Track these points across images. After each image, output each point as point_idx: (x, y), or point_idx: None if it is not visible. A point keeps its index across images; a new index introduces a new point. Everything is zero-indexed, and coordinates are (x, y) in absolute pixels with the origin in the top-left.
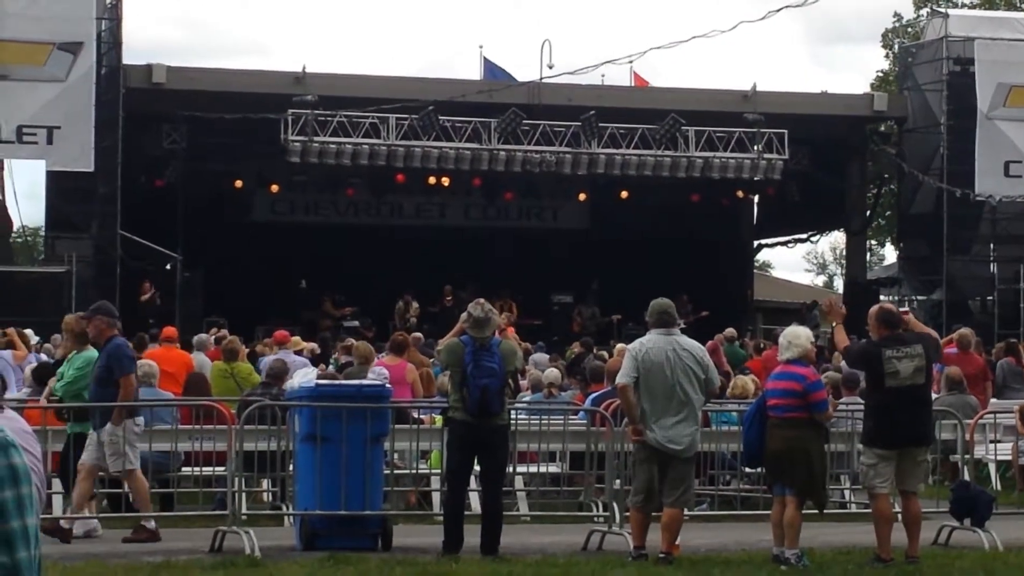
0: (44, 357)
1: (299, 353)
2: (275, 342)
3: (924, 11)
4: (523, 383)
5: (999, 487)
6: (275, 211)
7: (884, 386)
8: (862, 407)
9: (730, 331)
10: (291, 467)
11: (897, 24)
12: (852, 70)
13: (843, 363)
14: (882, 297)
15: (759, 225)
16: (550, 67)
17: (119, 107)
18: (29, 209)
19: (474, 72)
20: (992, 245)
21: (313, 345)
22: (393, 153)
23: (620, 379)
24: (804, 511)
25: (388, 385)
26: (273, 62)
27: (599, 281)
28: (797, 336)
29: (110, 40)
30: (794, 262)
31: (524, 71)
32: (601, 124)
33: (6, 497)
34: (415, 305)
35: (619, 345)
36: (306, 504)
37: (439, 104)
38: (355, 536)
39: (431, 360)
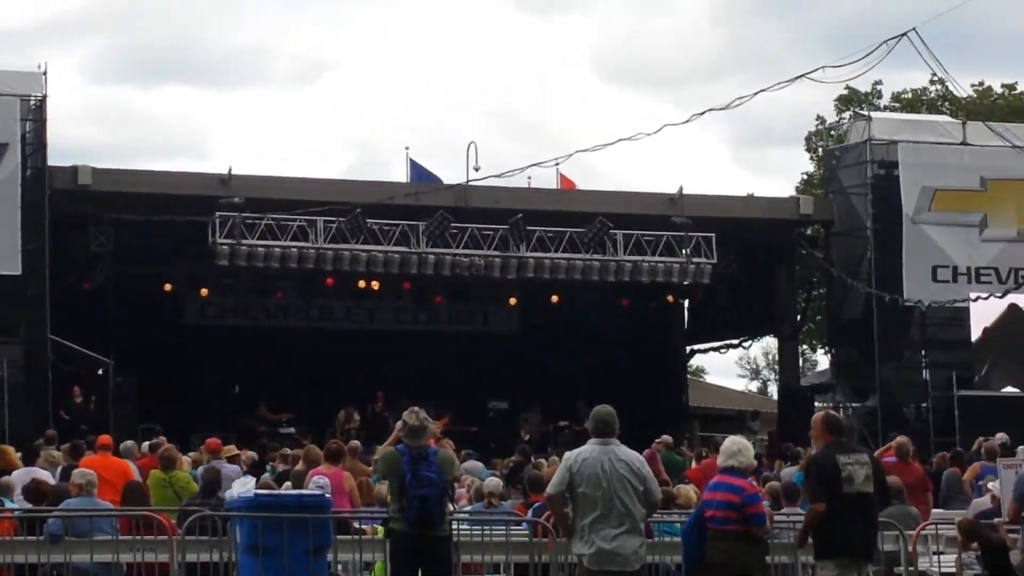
0: None
1: (232, 460)
2: (208, 450)
3: (847, 114)
4: (460, 491)
5: None
6: (204, 314)
7: (841, 492)
8: (803, 518)
9: (667, 438)
10: None
11: (820, 127)
12: (778, 173)
13: (783, 471)
14: (817, 404)
15: (690, 330)
16: (476, 169)
17: (45, 209)
18: None
19: (400, 174)
20: (923, 351)
21: (251, 453)
22: (322, 256)
23: (549, 489)
24: None
25: (328, 495)
26: (199, 164)
27: (532, 385)
28: (746, 448)
29: (35, 141)
30: (727, 367)
31: (450, 174)
32: (529, 227)
33: None
34: (356, 417)
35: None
36: None
37: (366, 207)
38: None
39: (368, 468)
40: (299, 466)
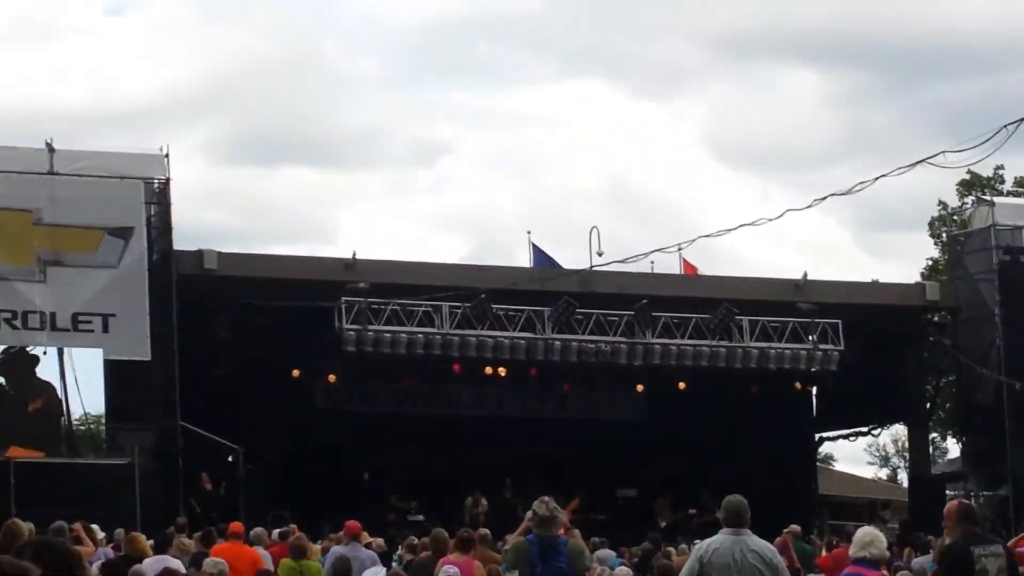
0: (110, 552)
1: (367, 547)
2: (347, 533)
3: (969, 199)
4: None
5: None
6: (332, 400)
7: None
8: None
9: (795, 528)
10: None
11: (943, 212)
12: (900, 257)
13: (914, 561)
14: (948, 492)
15: (819, 417)
16: (599, 254)
17: (172, 294)
18: (88, 396)
19: (521, 259)
20: None
21: (380, 540)
22: (448, 342)
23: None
24: None
25: None
26: (322, 247)
27: (659, 473)
28: (879, 537)
29: (160, 225)
30: (856, 455)
31: (572, 258)
32: (654, 313)
33: None
34: (484, 502)
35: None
36: None
37: (490, 292)
38: None
39: (498, 556)
40: (426, 553)
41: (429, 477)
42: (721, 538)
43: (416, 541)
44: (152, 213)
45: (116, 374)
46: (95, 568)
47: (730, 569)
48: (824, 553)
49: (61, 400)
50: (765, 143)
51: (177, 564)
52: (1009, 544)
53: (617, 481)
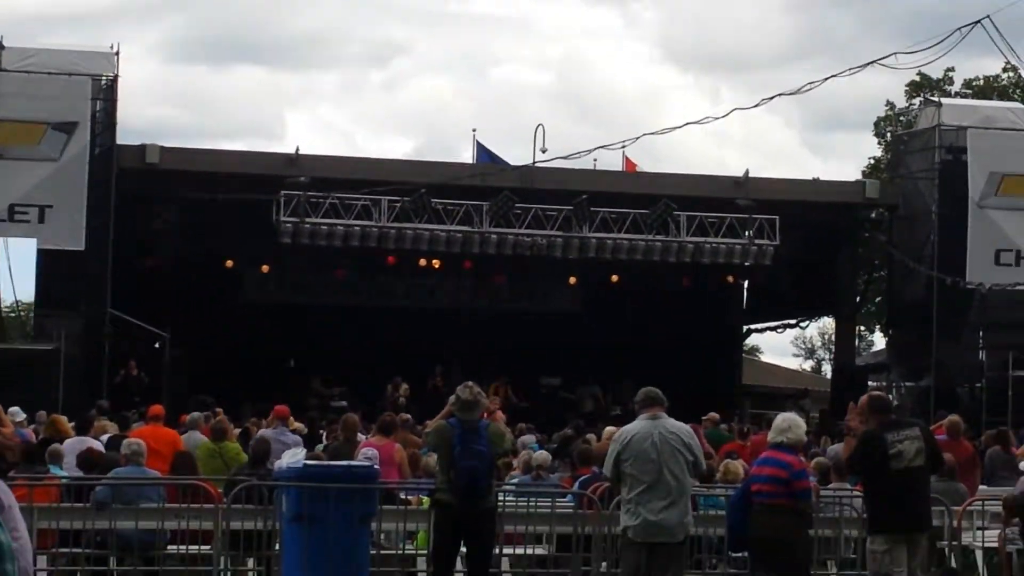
0: (29, 434)
1: (293, 431)
2: (276, 416)
3: (917, 100)
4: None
5: (986, 574)
6: (264, 290)
7: (889, 469)
8: (850, 493)
9: (713, 415)
10: (277, 547)
11: (890, 112)
12: (845, 157)
13: (830, 449)
14: (871, 383)
15: (748, 309)
16: (543, 151)
17: (112, 187)
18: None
19: (467, 156)
20: (981, 333)
21: (300, 425)
22: (384, 235)
23: (604, 470)
24: None
25: (376, 466)
26: (269, 144)
27: (589, 363)
28: (796, 423)
29: (105, 120)
30: (782, 347)
31: (517, 155)
32: (593, 208)
33: None
34: (404, 386)
35: (608, 428)
36: None
37: (431, 187)
38: None
39: (419, 440)
40: (339, 436)
41: (356, 365)
42: (637, 424)
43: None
44: (98, 109)
45: (49, 263)
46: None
47: (647, 453)
48: (738, 440)
49: None
50: (720, 46)
51: (98, 445)
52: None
53: (544, 370)
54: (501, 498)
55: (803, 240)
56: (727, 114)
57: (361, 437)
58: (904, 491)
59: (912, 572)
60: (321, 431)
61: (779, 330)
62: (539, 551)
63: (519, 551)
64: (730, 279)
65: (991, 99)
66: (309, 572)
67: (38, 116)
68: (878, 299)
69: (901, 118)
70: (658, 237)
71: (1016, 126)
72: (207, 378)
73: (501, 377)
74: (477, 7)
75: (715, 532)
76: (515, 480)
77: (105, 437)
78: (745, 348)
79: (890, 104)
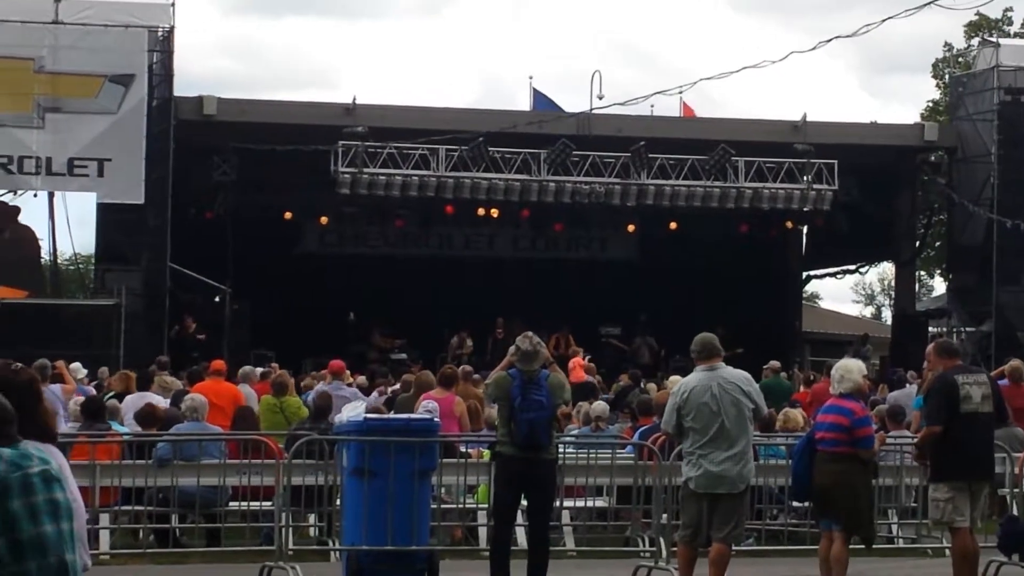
0: (91, 391)
1: (350, 385)
2: (331, 372)
3: (975, 41)
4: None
5: None
6: (324, 242)
7: (959, 412)
8: (908, 440)
9: (774, 363)
10: (338, 502)
11: (948, 54)
12: (903, 100)
13: (889, 396)
14: (931, 329)
15: (808, 256)
16: (600, 98)
17: (170, 139)
18: (81, 238)
19: (524, 103)
20: None
21: (362, 378)
22: (442, 184)
23: (663, 426)
24: (851, 546)
25: (436, 419)
26: (325, 94)
27: (647, 313)
28: (849, 370)
29: (162, 72)
30: (842, 293)
31: (574, 102)
32: (650, 155)
33: (47, 531)
34: (469, 343)
35: (673, 377)
36: (352, 539)
37: (488, 135)
38: (401, 571)
39: (480, 392)
40: (410, 392)
41: (416, 317)
42: (696, 376)
43: (405, 379)
44: (154, 61)
45: (108, 217)
46: (72, 405)
47: (707, 405)
48: (803, 388)
49: (41, 243)
50: None
51: (159, 400)
52: (991, 375)
53: (603, 320)
54: (561, 450)
55: (862, 184)
56: (784, 58)
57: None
58: (970, 435)
59: (973, 521)
60: (380, 383)
61: (838, 276)
62: (599, 503)
63: (579, 503)
64: (789, 225)
65: None
66: (370, 526)
67: (95, 69)
68: (938, 243)
69: (959, 59)
70: (716, 183)
71: None
72: (268, 332)
73: (562, 328)
74: None
75: (775, 482)
76: (574, 432)
77: (168, 394)
78: (804, 295)
79: (948, 45)
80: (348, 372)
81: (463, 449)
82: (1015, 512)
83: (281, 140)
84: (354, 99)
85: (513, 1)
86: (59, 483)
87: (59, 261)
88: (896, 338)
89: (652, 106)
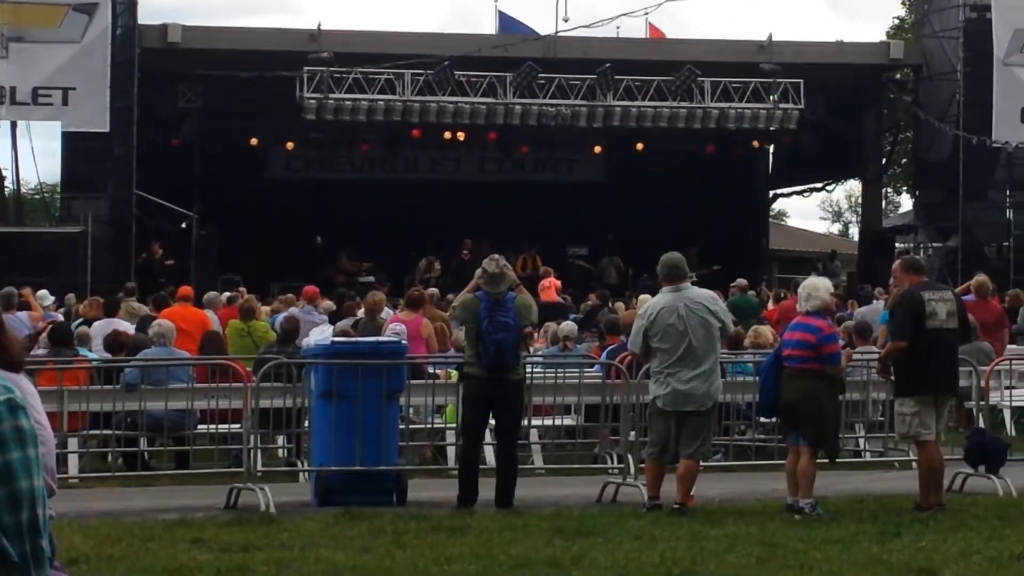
0: (59, 317)
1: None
2: (304, 297)
3: None
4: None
5: (1014, 433)
6: (290, 168)
7: (925, 328)
8: (875, 355)
9: (742, 281)
10: (306, 424)
11: None
12: (869, 18)
13: (856, 311)
14: (898, 245)
15: (774, 175)
16: (565, 20)
17: (134, 67)
18: (46, 167)
19: (489, 27)
20: (1008, 191)
21: (329, 302)
22: (408, 109)
23: (630, 347)
24: (818, 460)
25: (404, 341)
26: (289, 20)
27: (614, 233)
28: (816, 288)
29: (125, 0)
30: (809, 211)
31: (539, 25)
32: (617, 77)
33: (13, 458)
34: (437, 266)
35: (642, 296)
36: (321, 460)
37: (454, 59)
38: (370, 491)
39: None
40: (361, 312)
41: (383, 240)
42: (663, 297)
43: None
44: None
45: (73, 146)
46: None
47: (676, 325)
48: (771, 305)
49: (5, 172)
50: None
51: (126, 326)
52: (957, 291)
53: (570, 241)
54: (529, 370)
55: (828, 103)
56: None
57: (388, 312)
58: (935, 351)
59: (938, 434)
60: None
61: (805, 194)
62: (567, 422)
63: (547, 422)
64: (755, 144)
65: None
66: (338, 448)
67: None
68: (904, 160)
69: None
70: (682, 104)
71: None
72: (235, 257)
73: (529, 249)
74: None
75: (743, 398)
76: (542, 351)
77: (135, 320)
78: (772, 213)
79: None
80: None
81: (431, 371)
82: (981, 424)
83: (246, 67)
84: (319, 25)
85: None
86: (23, 411)
87: (23, 191)
88: (863, 255)
89: (618, 28)
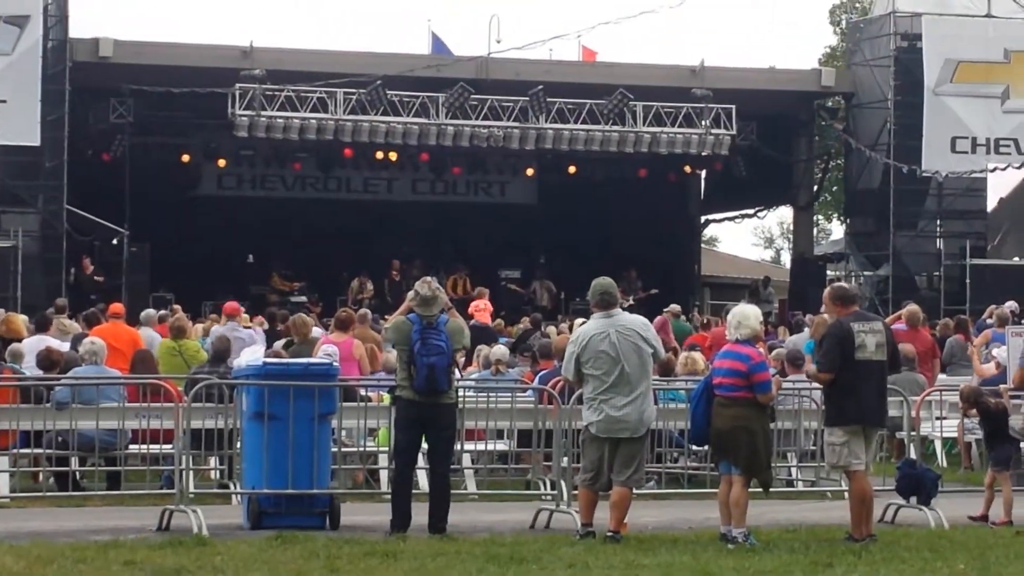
0: None
1: (247, 328)
2: (225, 314)
3: None
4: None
5: (945, 464)
6: (222, 185)
7: (854, 360)
8: (807, 385)
9: (675, 307)
10: (238, 445)
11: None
12: (801, 46)
13: (788, 340)
14: (829, 272)
15: (706, 200)
16: (498, 42)
17: (66, 81)
18: None
19: (422, 47)
20: (938, 221)
21: (260, 319)
22: (340, 128)
23: (563, 373)
24: (751, 489)
25: (336, 363)
26: (222, 36)
27: (546, 256)
28: (746, 316)
29: (57, 13)
30: (741, 237)
31: (472, 46)
32: (549, 99)
33: None
34: (370, 286)
35: (577, 320)
36: (253, 482)
37: (387, 79)
38: (303, 514)
39: (378, 336)
40: (292, 336)
41: (315, 260)
42: (594, 323)
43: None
44: (50, 1)
45: (4, 159)
46: None
47: (607, 351)
48: (700, 332)
49: None
50: None
51: (57, 343)
52: (886, 321)
53: (502, 263)
54: (461, 393)
55: (760, 129)
56: (682, 2)
57: (320, 332)
58: (863, 383)
59: (867, 465)
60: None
61: (737, 220)
62: (500, 446)
63: (480, 446)
64: (687, 169)
65: None
66: (270, 470)
67: None
68: (835, 188)
69: (856, 5)
70: (614, 128)
71: (971, 12)
72: (167, 275)
73: (460, 270)
74: None
75: (675, 425)
76: (475, 375)
77: (67, 337)
78: (703, 239)
79: None
80: (244, 314)
81: (363, 392)
82: (913, 455)
83: (178, 82)
84: (251, 42)
85: None
86: None
87: None
88: (795, 282)
89: (551, 50)
